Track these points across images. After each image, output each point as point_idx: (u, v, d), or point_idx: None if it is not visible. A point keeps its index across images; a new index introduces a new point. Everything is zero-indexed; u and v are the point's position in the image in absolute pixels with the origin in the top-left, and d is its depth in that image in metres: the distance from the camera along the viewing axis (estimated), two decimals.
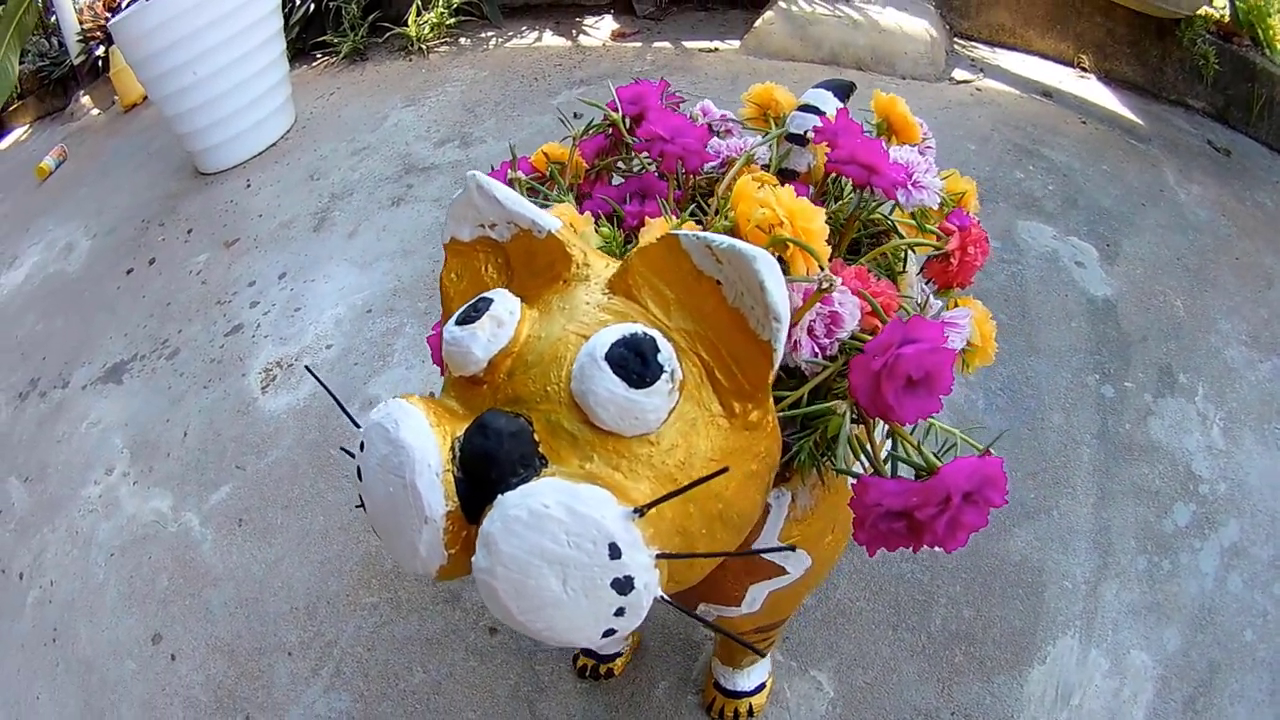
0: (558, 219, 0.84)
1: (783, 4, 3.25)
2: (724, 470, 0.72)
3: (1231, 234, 2.60)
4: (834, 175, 1.14)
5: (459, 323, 0.78)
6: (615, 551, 0.66)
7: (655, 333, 0.74)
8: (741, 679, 1.51)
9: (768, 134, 1.22)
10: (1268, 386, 2.11)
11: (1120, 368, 2.11)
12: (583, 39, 3.43)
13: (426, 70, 3.25)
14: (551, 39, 3.43)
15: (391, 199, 2.69)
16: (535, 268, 0.84)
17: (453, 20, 3.39)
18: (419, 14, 3.32)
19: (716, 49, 3.34)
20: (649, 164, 1.20)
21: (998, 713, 1.55)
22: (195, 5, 2.63)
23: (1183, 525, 1.82)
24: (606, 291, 0.80)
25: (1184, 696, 1.58)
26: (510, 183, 1.17)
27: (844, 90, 1.34)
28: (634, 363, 0.71)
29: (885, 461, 0.88)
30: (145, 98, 3.51)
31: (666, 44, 3.39)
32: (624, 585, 0.67)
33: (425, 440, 0.71)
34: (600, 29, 3.49)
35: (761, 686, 1.54)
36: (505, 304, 0.79)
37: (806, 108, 1.25)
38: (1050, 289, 2.27)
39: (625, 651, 1.62)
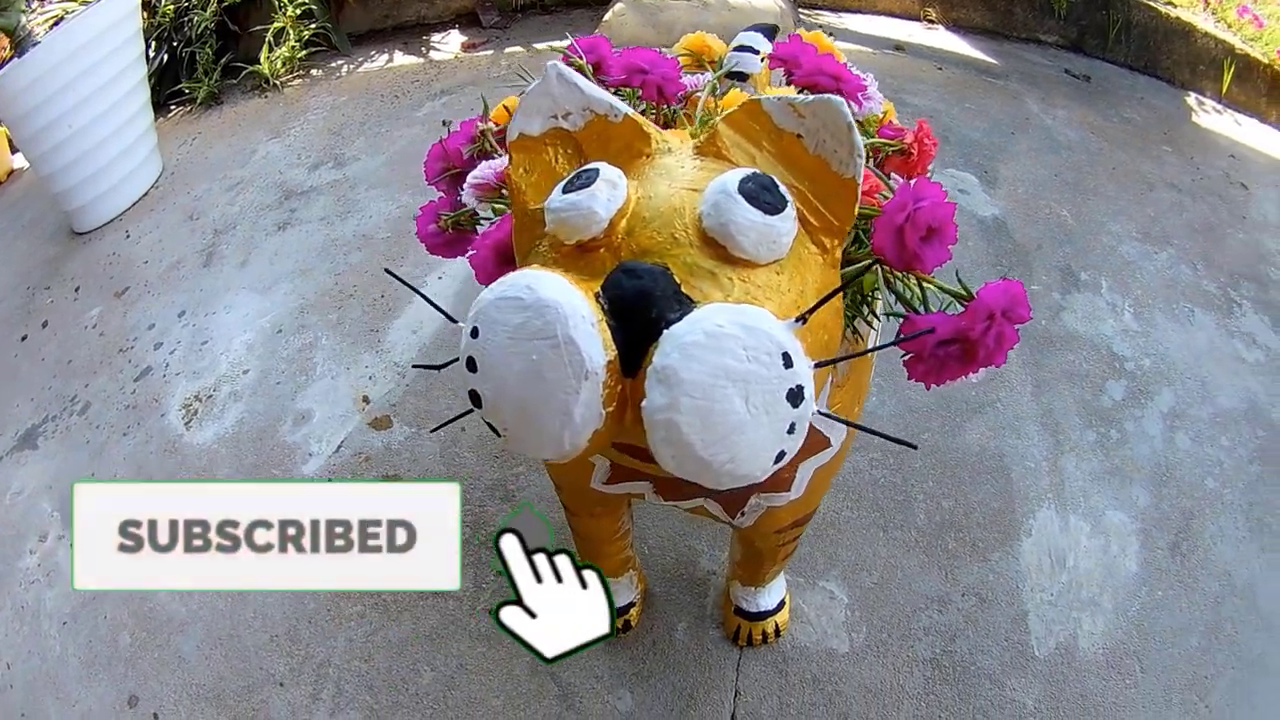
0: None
1: None
2: (874, 262, 0.82)
3: (1103, 148, 2.70)
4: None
5: (566, 192, 0.77)
6: (788, 360, 0.66)
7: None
8: (764, 597, 1.47)
9: (715, 73, 1.26)
10: (1167, 273, 2.19)
11: (1024, 273, 2.15)
12: (434, 55, 3.32)
13: (284, 104, 3.08)
14: (403, 58, 3.31)
15: (277, 225, 2.53)
16: (611, 150, 0.84)
17: (304, 53, 3.22)
18: (271, 50, 3.15)
19: (568, 43, 3.25)
20: None
21: (1004, 586, 1.58)
22: (69, 56, 2.43)
23: (1119, 399, 1.88)
24: (696, 157, 0.82)
25: (1168, 543, 1.65)
26: (480, 134, 1.18)
27: (770, 31, 1.42)
28: (764, 194, 0.73)
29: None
30: (10, 174, 3.22)
31: (518, 48, 3.32)
32: (796, 396, 0.67)
33: (571, 294, 0.68)
34: (449, 43, 3.38)
35: (783, 604, 1.50)
36: (611, 170, 0.78)
37: (741, 48, 1.34)
38: None
39: (636, 600, 1.54)
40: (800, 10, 3.38)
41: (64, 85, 2.44)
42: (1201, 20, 3.14)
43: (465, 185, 1.10)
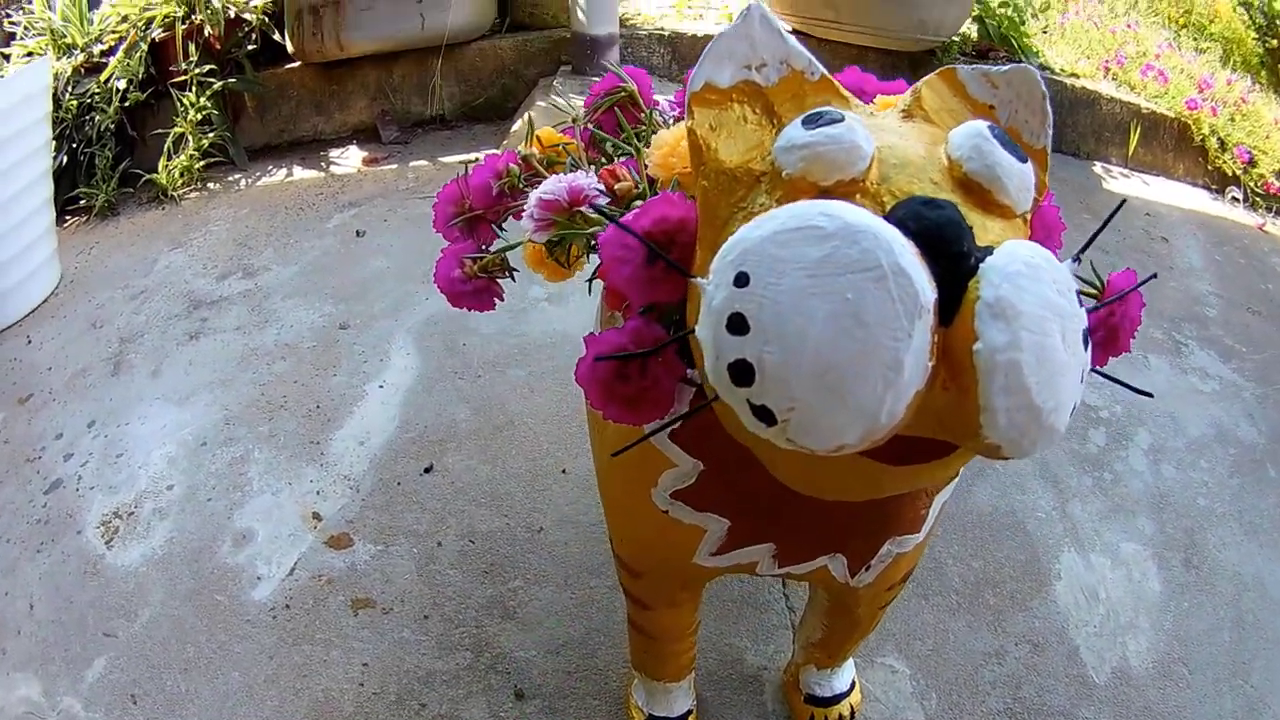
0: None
1: (541, 103, 3.07)
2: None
3: None
4: None
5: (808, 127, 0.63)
6: (1080, 300, 0.58)
7: None
8: (838, 679, 1.33)
9: None
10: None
11: None
12: (334, 169, 3.11)
13: (183, 216, 2.82)
14: (302, 173, 3.09)
15: (188, 334, 2.26)
16: (805, 109, 0.70)
17: (201, 163, 2.97)
18: (169, 158, 2.88)
19: (478, 159, 3.10)
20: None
21: (1051, 627, 1.60)
22: None
23: (1103, 445, 1.97)
24: (905, 121, 0.73)
25: (1181, 560, 1.75)
26: (524, 159, 0.99)
27: None
28: (1010, 143, 0.64)
29: None
30: None
31: (423, 162, 3.14)
32: (1087, 339, 0.58)
33: (880, 221, 0.54)
34: (349, 157, 3.18)
35: (854, 684, 1.36)
36: (848, 112, 0.65)
37: None
38: None
39: (693, 708, 1.34)
40: None
41: None
42: (1105, 87, 3.25)
43: (530, 205, 0.87)
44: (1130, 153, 3.20)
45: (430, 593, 1.60)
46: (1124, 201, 0.77)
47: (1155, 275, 0.84)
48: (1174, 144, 3.22)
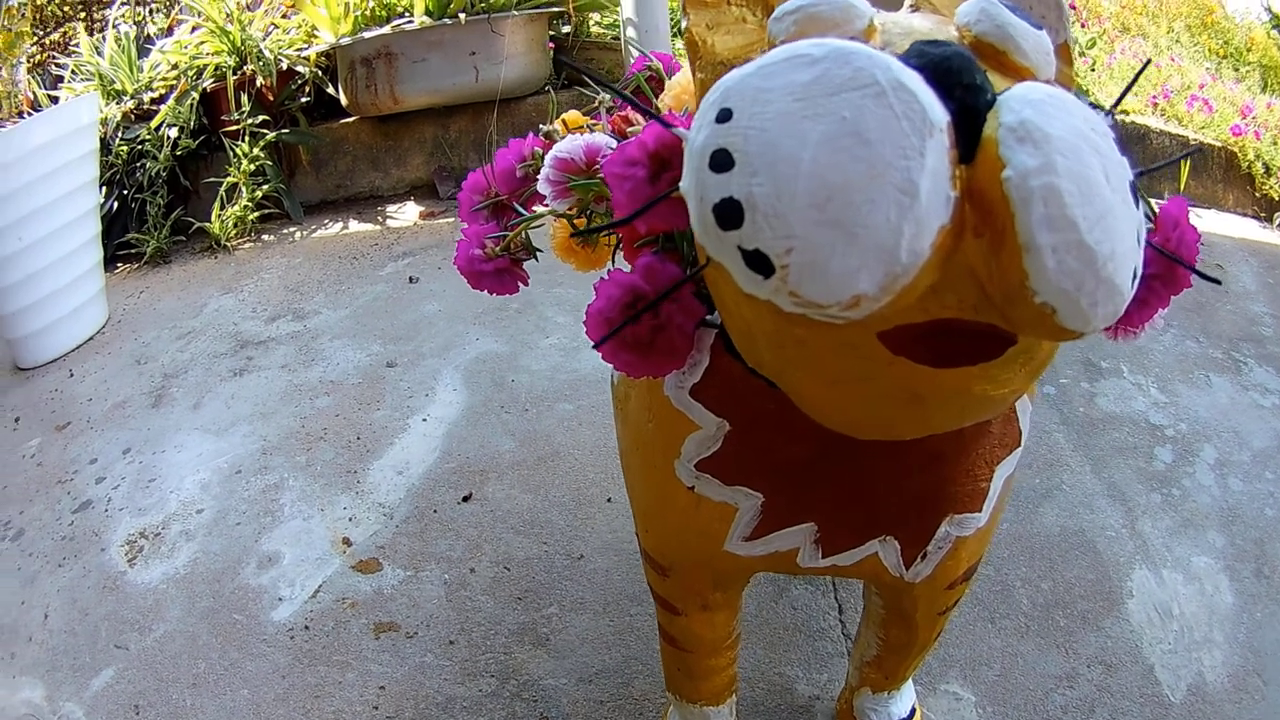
0: None
1: None
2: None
3: None
4: None
5: None
6: (1122, 149, 0.50)
7: None
8: (897, 704, 1.21)
9: None
10: (1175, 350, 2.30)
11: (1049, 373, 2.10)
12: (390, 223, 3.11)
13: (235, 265, 2.83)
14: (358, 226, 3.09)
15: (232, 371, 2.24)
16: None
17: (255, 214, 2.99)
18: (222, 207, 2.91)
19: (536, 211, 3.09)
20: None
21: (1124, 647, 1.52)
22: (18, 160, 2.17)
23: (1170, 462, 1.90)
24: (913, 13, 0.65)
25: (1252, 571, 1.68)
26: (547, 136, 0.93)
27: None
28: (1020, 10, 0.58)
29: None
30: None
31: None
32: (1136, 193, 0.50)
33: (874, 49, 0.49)
34: (406, 212, 3.18)
35: (914, 710, 1.23)
36: None
37: None
38: None
39: None
40: None
41: (15, 190, 2.18)
42: (1154, 122, 3.18)
43: (546, 167, 0.80)
44: (1182, 186, 3.12)
45: (458, 618, 1.52)
46: (1149, 61, 0.72)
47: (1200, 149, 0.76)
48: (1222, 174, 3.14)
